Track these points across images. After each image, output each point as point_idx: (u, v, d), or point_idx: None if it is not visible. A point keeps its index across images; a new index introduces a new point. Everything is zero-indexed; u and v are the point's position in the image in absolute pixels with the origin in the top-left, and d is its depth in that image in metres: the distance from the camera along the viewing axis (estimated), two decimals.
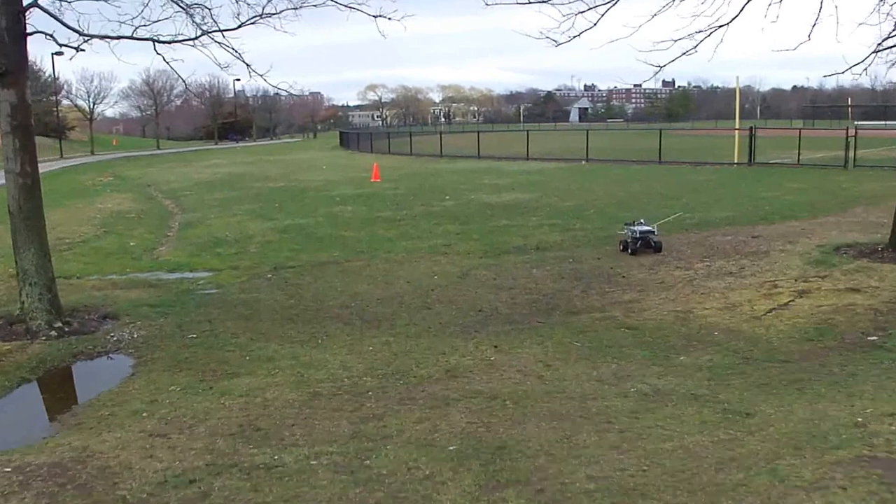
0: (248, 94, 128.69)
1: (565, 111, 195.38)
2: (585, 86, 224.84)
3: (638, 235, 12.99)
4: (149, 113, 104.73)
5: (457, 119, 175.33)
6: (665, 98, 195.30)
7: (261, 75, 9.38)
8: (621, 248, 13.23)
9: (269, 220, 19.46)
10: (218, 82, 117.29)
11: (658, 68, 10.41)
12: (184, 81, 11.34)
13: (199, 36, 9.21)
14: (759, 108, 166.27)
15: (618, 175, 28.87)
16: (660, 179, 26.36)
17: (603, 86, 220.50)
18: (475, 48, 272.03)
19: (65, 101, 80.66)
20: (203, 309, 10.42)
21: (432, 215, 19.30)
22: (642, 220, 13.59)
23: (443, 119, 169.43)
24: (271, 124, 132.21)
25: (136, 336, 9.05)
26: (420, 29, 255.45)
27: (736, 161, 30.88)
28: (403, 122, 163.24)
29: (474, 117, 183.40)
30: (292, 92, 9.51)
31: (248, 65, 9.45)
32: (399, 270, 12.60)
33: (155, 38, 9.26)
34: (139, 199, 27.25)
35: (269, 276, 12.61)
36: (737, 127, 32.27)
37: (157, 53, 9.31)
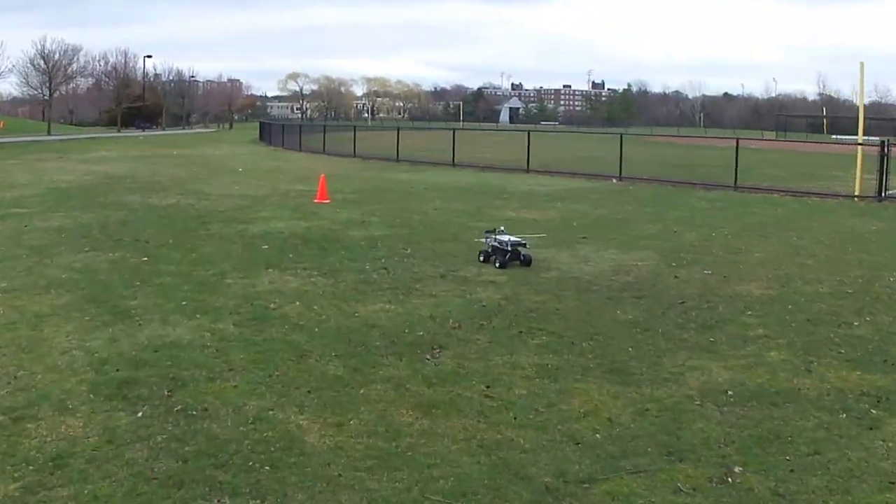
0: (163, 79, 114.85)
1: (495, 110, 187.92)
2: (513, 84, 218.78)
3: (509, 248, 10.92)
4: (42, 92, 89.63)
5: (381, 115, 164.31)
6: (605, 101, 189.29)
7: None
8: (481, 258, 11.25)
9: (106, 326, 8.04)
10: (126, 60, 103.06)
11: None
12: None
13: None
14: (700, 116, 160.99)
15: (712, 211, 18.15)
16: (814, 227, 16.03)
17: (529, 85, 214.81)
18: (401, 40, 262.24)
19: None
20: None
21: (502, 319, 8.43)
22: (503, 228, 11.57)
23: (366, 114, 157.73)
24: (184, 111, 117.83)
25: None
26: (345, 17, 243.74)
27: (857, 192, 20.81)
28: (325, 115, 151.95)
29: (399, 113, 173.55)
30: None
31: None
32: None
33: None
34: None
35: None
36: (859, 141, 21.79)
37: None
